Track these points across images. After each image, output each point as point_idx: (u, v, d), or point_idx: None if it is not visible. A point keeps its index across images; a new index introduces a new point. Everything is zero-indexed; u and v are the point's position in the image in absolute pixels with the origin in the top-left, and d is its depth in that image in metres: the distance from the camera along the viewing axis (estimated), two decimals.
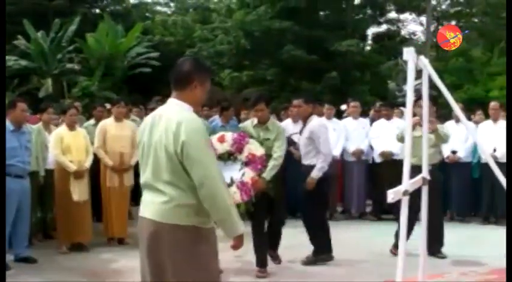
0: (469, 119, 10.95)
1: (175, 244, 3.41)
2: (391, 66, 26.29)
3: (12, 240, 7.00)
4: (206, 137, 3.49)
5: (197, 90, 3.57)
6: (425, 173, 4.44)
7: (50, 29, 22.62)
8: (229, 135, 6.28)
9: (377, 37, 28.94)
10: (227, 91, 22.63)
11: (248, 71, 23.65)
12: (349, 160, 10.26)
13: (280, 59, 22.15)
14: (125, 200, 8.36)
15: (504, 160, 9.53)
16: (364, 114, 11.39)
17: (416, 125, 6.59)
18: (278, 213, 6.77)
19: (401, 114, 10.16)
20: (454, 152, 9.73)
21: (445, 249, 7.47)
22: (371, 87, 23.89)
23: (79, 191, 7.65)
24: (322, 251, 7.17)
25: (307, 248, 7.19)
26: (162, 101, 12.01)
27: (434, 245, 7.33)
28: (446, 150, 9.50)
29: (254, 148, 6.19)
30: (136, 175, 9.25)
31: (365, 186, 10.24)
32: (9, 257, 6.93)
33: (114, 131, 8.20)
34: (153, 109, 10.46)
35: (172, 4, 37.64)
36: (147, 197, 3.59)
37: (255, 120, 6.64)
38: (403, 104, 8.76)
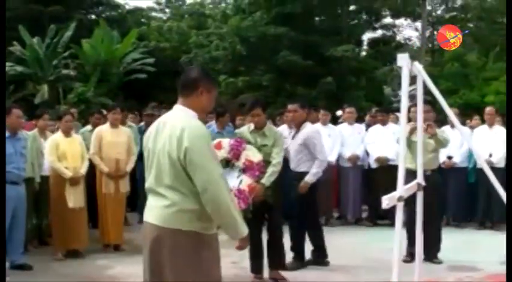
0: (464, 124, 11.00)
1: (176, 249, 3.43)
2: (386, 71, 26.36)
3: (8, 247, 6.94)
4: (209, 143, 3.51)
5: (203, 97, 3.62)
6: (420, 179, 4.44)
7: (45, 35, 22.60)
8: (226, 142, 6.10)
9: (372, 42, 29.00)
10: (223, 97, 22.61)
11: (244, 76, 23.68)
12: (344, 166, 10.26)
13: (276, 64, 22.20)
14: (120, 206, 8.35)
15: (501, 165, 9.59)
16: (359, 119, 11.40)
17: (415, 130, 6.60)
18: (275, 219, 6.66)
19: (396, 120, 10.17)
20: (449, 157, 9.73)
21: (440, 255, 7.47)
22: (366, 92, 23.95)
23: (74, 198, 7.63)
24: (320, 251, 7.22)
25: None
26: (158, 107, 12.14)
27: (431, 251, 7.33)
28: (442, 156, 9.50)
29: (251, 154, 6.03)
30: (132, 181, 9.36)
31: (361, 192, 10.23)
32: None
33: (110, 137, 8.18)
34: (148, 115, 10.62)
35: (167, 10, 37.72)
36: (150, 201, 3.62)
37: (252, 126, 6.51)
38: (399, 110, 8.78)
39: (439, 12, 30.16)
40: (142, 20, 32.18)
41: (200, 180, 3.38)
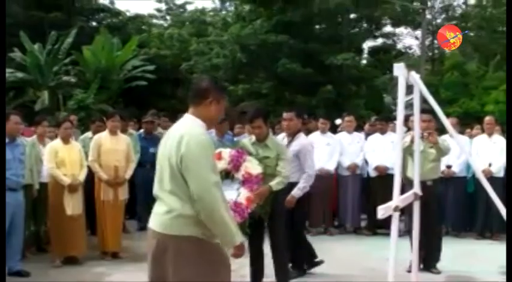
0: (463, 133, 11.00)
1: (178, 255, 3.48)
2: (386, 80, 26.40)
3: (6, 253, 6.95)
4: (208, 152, 3.54)
5: (212, 106, 3.70)
6: (416, 189, 4.43)
7: (46, 42, 22.63)
8: (227, 153, 5.87)
9: (373, 51, 29.05)
10: None
11: (244, 84, 23.72)
12: (343, 174, 10.24)
13: (276, 72, 22.23)
14: (119, 213, 8.34)
15: (500, 175, 9.58)
16: (359, 128, 11.39)
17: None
18: (277, 228, 6.41)
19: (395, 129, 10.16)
20: (449, 167, 9.72)
21: (439, 265, 7.45)
22: (367, 101, 23.96)
23: (72, 205, 7.61)
24: (299, 266, 7.14)
25: None
26: (158, 114, 12.13)
27: (430, 260, 7.32)
28: (441, 165, 9.50)
29: (251, 166, 5.82)
30: (131, 189, 9.35)
31: (360, 201, 10.21)
32: None
33: (109, 144, 8.18)
34: (148, 122, 10.61)
35: (168, 17, 37.82)
36: (154, 207, 3.70)
37: (253, 137, 6.33)
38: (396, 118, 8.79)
39: (439, 21, 30.21)
40: (143, 27, 32.25)
41: (194, 187, 3.44)
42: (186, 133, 3.53)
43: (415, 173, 4.52)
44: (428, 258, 7.31)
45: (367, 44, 29.19)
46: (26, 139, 8.06)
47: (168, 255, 3.51)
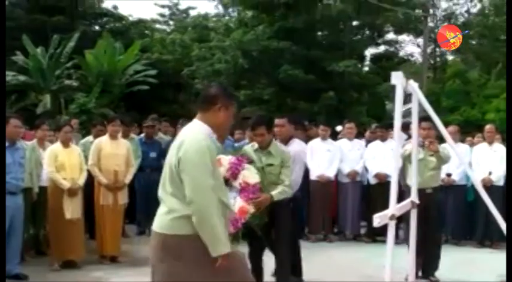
0: (463, 141, 10.99)
1: (179, 254, 3.52)
2: (388, 87, 26.32)
3: None
4: (206, 157, 3.55)
5: (220, 113, 3.74)
6: (414, 197, 4.42)
7: (48, 45, 22.69)
8: (227, 160, 5.66)
9: (375, 58, 29.08)
10: None
11: (245, 90, 23.74)
12: (343, 181, 10.23)
13: (278, 78, 22.25)
14: (118, 218, 8.32)
15: (500, 183, 9.58)
16: (360, 135, 11.39)
17: (418, 148, 6.57)
18: (281, 236, 6.29)
19: None
20: (448, 175, 9.71)
21: (438, 273, 7.41)
22: (369, 108, 23.98)
23: (72, 209, 7.61)
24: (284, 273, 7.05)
25: None
26: (158, 119, 12.14)
27: (429, 268, 7.30)
28: (441, 173, 9.49)
29: (248, 175, 5.64)
30: (131, 193, 9.35)
31: (359, 208, 10.19)
32: None
33: (109, 149, 8.17)
34: (148, 126, 10.61)
35: (171, 22, 37.85)
36: (158, 210, 3.76)
37: (256, 144, 6.19)
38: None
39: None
40: (146, 31, 32.31)
41: (188, 190, 3.50)
42: (187, 137, 3.60)
43: (413, 181, 4.51)
44: (427, 266, 7.29)
45: (370, 51, 29.28)
46: (26, 143, 8.06)
47: (166, 255, 3.56)
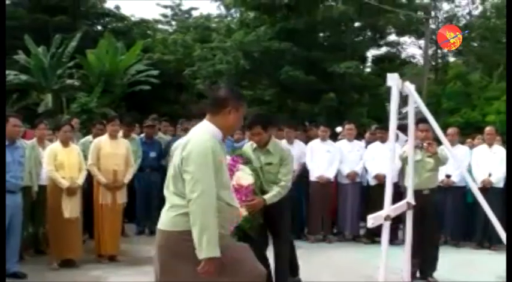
0: (463, 143, 10.98)
1: (181, 251, 3.56)
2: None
3: None
4: (208, 158, 3.55)
5: (231, 115, 3.76)
6: (410, 198, 4.43)
7: (50, 45, 22.72)
8: None
9: (377, 59, 29.08)
10: None
11: (247, 90, 23.74)
12: (343, 182, 10.24)
13: (279, 79, 22.26)
14: (117, 217, 8.33)
15: (500, 185, 9.58)
16: (360, 136, 11.39)
17: (415, 149, 6.58)
18: (282, 236, 6.27)
19: (396, 138, 10.14)
20: (448, 176, 9.71)
21: (436, 274, 7.41)
22: (370, 109, 23.97)
23: (70, 208, 7.61)
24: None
25: None
26: (158, 119, 12.15)
27: (427, 269, 7.31)
28: (440, 175, 9.49)
29: (242, 176, 5.63)
30: (132, 192, 9.37)
31: (359, 209, 10.18)
32: None
33: (109, 148, 8.18)
34: (149, 126, 10.62)
35: (174, 23, 37.86)
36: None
37: (255, 143, 6.18)
38: (400, 128, 8.78)
39: None
40: (148, 32, 32.33)
41: (188, 190, 3.53)
42: (192, 138, 3.63)
43: (409, 183, 4.51)
44: (425, 267, 7.29)
45: (371, 53, 29.28)
46: (25, 142, 8.07)
47: (166, 252, 3.60)
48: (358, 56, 25.81)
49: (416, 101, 4.09)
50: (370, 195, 10.11)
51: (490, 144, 9.89)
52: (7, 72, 19.51)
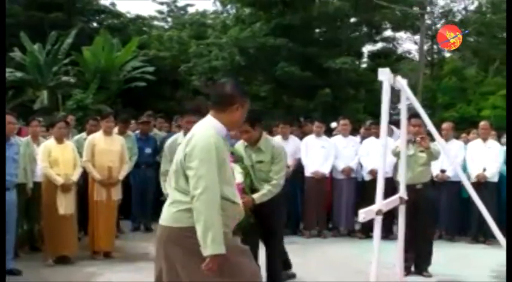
0: (458, 137, 11.00)
1: (181, 247, 3.54)
2: None
3: None
4: (212, 154, 3.51)
5: (238, 112, 3.72)
6: (402, 193, 4.44)
7: (46, 42, 22.68)
8: None
9: (372, 55, 29.08)
10: None
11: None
12: (338, 178, 10.24)
13: (274, 75, 22.24)
14: (112, 213, 8.33)
15: (494, 179, 9.60)
16: (355, 131, 11.40)
17: (408, 143, 6.60)
18: (275, 233, 6.18)
19: (391, 133, 10.14)
20: (443, 171, 9.72)
21: (431, 268, 7.43)
22: (366, 104, 23.98)
23: (65, 205, 7.61)
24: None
25: None
26: (154, 115, 12.14)
27: (422, 263, 7.33)
28: (435, 169, 9.51)
29: None
30: (127, 189, 9.37)
31: (354, 204, 10.19)
32: None
33: (103, 145, 8.18)
34: (143, 123, 10.62)
35: (169, 19, 37.82)
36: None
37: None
38: (395, 122, 8.79)
39: (438, 26, 30.21)
40: (144, 28, 32.29)
41: (192, 186, 3.49)
42: (196, 133, 3.60)
43: (401, 177, 4.52)
44: (420, 261, 7.32)
45: (367, 48, 29.27)
46: (20, 139, 8.07)
47: (168, 248, 3.58)
48: (354, 51, 25.82)
49: (408, 96, 4.09)
50: (365, 190, 10.11)
51: (485, 139, 9.90)
52: None
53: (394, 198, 4.34)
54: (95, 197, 8.09)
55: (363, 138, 10.79)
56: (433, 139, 7.55)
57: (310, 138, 10.21)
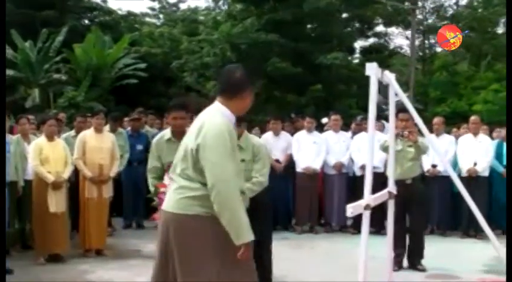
0: (449, 132, 11.04)
1: (184, 234, 3.49)
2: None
3: None
4: (226, 142, 3.44)
5: (247, 99, 3.67)
6: (391, 187, 4.46)
7: (37, 39, 22.62)
8: None
9: (364, 50, 29.10)
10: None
11: None
12: (329, 173, 10.26)
13: (266, 71, 22.21)
14: (103, 211, 8.31)
15: (485, 174, 9.64)
16: (346, 127, 11.41)
17: (396, 138, 6.62)
18: (261, 245, 5.61)
19: (382, 128, 10.17)
20: (434, 166, 9.75)
21: (423, 262, 7.46)
22: (358, 100, 23.99)
23: (56, 202, 7.60)
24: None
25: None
26: (145, 112, 12.12)
27: (415, 257, 7.36)
28: (426, 164, 9.54)
29: None
30: (118, 187, 9.35)
31: (345, 199, 10.19)
32: None
33: (94, 142, 8.17)
34: (134, 119, 10.59)
35: (161, 16, 37.78)
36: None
37: None
38: (386, 118, 8.81)
39: (430, 21, 30.27)
40: (136, 25, 32.22)
41: (209, 176, 3.41)
42: (206, 122, 3.50)
43: (389, 172, 4.54)
44: (412, 255, 7.35)
45: (359, 44, 29.28)
46: (11, 137, 8.05)
47: (170, 233, 3.53)
48: (346, 47, 25.81)
49: (396, 90, 4.10)
50: (356, 185, 10.11)
51: (475, 134, 9.92)
52: None
53: (383, 193, 4.35)
54: (86, 195, 8.09)
55: (354, 133, 10.80)
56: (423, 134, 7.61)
57: (302, 134, 10.23)
